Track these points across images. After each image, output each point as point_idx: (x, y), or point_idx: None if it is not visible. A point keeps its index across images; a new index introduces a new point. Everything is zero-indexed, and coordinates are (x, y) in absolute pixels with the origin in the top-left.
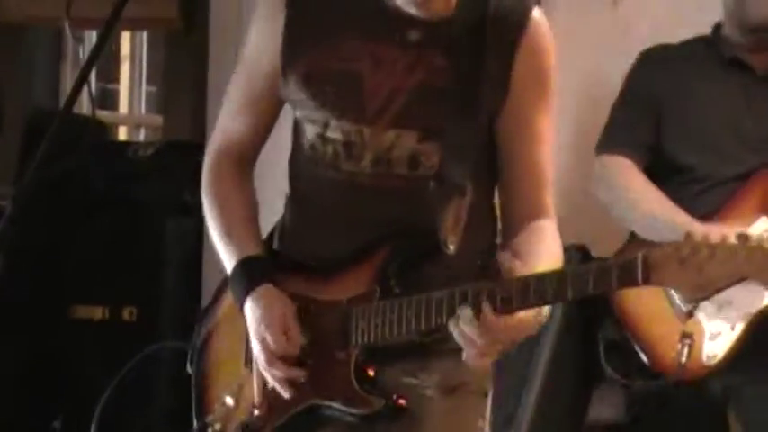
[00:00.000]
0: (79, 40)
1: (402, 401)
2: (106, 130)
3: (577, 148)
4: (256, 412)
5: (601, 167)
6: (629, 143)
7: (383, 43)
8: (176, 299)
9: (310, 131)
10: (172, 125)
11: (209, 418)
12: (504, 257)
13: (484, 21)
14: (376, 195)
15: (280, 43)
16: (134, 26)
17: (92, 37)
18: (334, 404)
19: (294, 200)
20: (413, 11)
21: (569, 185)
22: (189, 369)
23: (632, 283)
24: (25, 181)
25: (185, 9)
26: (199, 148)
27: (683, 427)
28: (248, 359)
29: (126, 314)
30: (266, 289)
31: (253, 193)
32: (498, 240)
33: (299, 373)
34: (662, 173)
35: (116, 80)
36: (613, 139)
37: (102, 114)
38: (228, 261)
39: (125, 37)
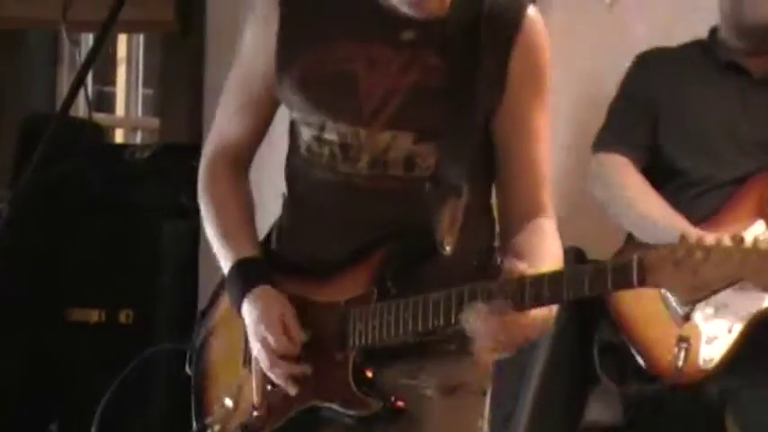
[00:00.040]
0: (76, 43)
1: (400, 403)
2: (103, 132)
3: (573, 149)
4: (255, 413)
5: (598, 165)
6: (627, 142)
7: (377, 44)
8: (173, 302)
9: (306, 133)
10: (168, 128)
11: (209, 420)
12: (506, 259)
13: (479, 19)
14: (372, 197)
15: (274, 45)
16: (131, 29)
17: (88, 40)
18: (333, 406)
19: (291, 200)
20: (407, 11)
21: (565, 186)
22: (188, 370)
23: (627, 284)
24: (22, 184)
25: (182, 12)
26: (195, 151)
27: (679, 430)
28: (247, 360)
29: (122, 317)
30: (263, 290)
31: (249, 193)
32: (497, 241)
33: (303, 369)
34: (659, 176)
35: (113, 83)
36: (611, 137)
37: (99, 117)
38: (225, 263)
39: (122, 39)
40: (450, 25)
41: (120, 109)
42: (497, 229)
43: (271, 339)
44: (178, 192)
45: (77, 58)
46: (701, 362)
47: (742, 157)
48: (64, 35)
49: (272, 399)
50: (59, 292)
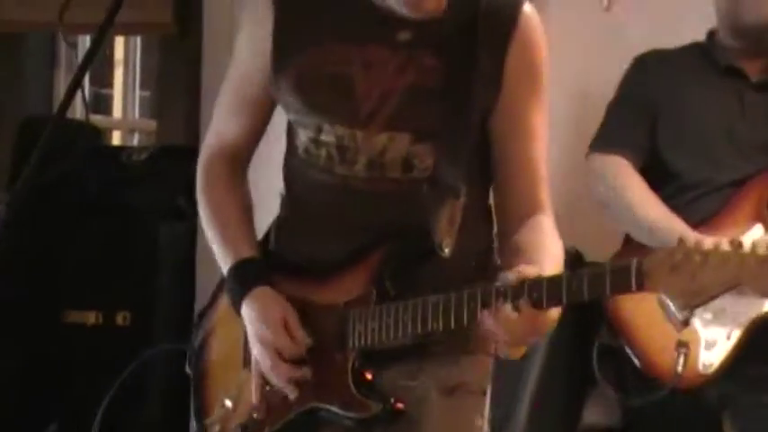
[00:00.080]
0: (73, 45)
1: (400, 405)
2: (100, 134)
3: (570, 150)
4: (255, 415)
5: (596, 166)
6: (626, 143)
7: (373, 45)
8: (170, 303)
9: (303, 135)
10: (165, 130)
11: (209, 421)
12: (506, 260)
13: (475, 18)
14: (370, 199)
15: (270, 45)
16: (128, 31)
17: (85, 42)
18: (332, 408)
19: (289, 201)
20: (404, 11)
21: (562, 187)
22: (188, 370)
23: (626, 289)
24: (19, 186)
25: (179, 14)
26: (193, 153)
27: None
28: (247, 361)
29: (119, 319)
30: (262, 291)
31: (247, 193)
32: (495, 241)
33: (305, 373)
34: (657, 179)
35: (110, 85)
36: (609, 138)
37: (96, 119)
38: (224, 264)
39: (119, 42)
40: (447, 25)
41: (117, 111)
42: (496, 229)
43: (274, 341)
44: (175, 194)
45: (74, 60)
46: (700, 367)
47: (740, 159)
48: (61, 37)
49: (272, 400)
50: (56, 294)
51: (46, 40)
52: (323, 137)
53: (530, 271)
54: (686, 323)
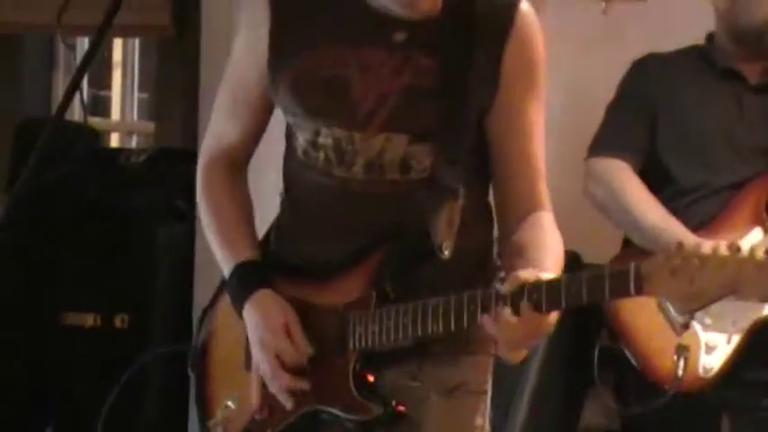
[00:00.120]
0: (71, 47)
1: (401, 408)
2: (98, 136)
3: (568, 152)
4: (257, 417)
5: (596, 169)
6: (625, 147)
7: (369, 46)
8: (168, 306)
9: (302, 138)
10: (164, 132)
11: (212, 423)
12: (506, 262)
13: (471, 17)
14: (369, 201)
15: (266, 46)
16: (126, 33)
17: (84, 44)
18: (333, 410)
19: (289, 203)
20: (400, 11)
21: (560, 190)
22: (190, 372)
23: (625, 293)
24: (18, 188)
25: (177, 16)
26: (191, 155)
27: None
28: (248, 363)
29: (118, 321)
30: (263, 295)
31: (247, 194)
32: (495, 242)
33: (303, 385)
34: (656, 182)
35: (108, 87)
36: (609, 142)
37: (94, 121)
38: (225, 266)
39: (117, 44)
40: (442, 25)
41: (115, 113)
42: (496, 227)
43: (275, 346)
44: (173, 196)
45: (73, 62)
46: (700, 371)
47: (739, 162)
48: (59, 39)
49: (273, 403)
50: (54, 296)
51: (44, 41)
52: (321, 139)
53: (529, 275)
54: (686, 326)
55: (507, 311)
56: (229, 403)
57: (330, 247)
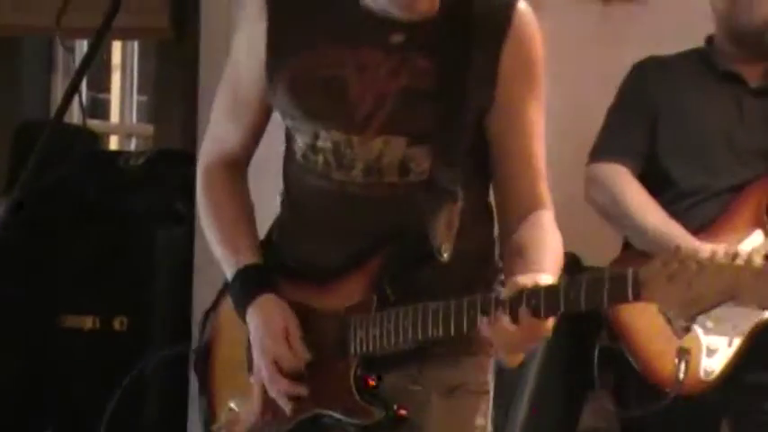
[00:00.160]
0: (70, 49)
1: (403, 411)
2: (97, 139)
3: (567, 155)
4: (260, 420)
5: (597, 174)
6: (626, 151)
7: (366, 48)
8: (167, 308)
9: (301, 141)
10: (163, 134)
11: (215, 426)
12: (506, 264)
13: (468, 18)
14: (368, 204)
15: (264, 47)
16: (125, 36)
17: (83, 47)
18: (335, 414)
19: (288, 205)
20: (398, 12)
21: (559, 192)
22: (192, 374)
23: (623, 299)
24: (17, 190)
25: (176, 18)
26: (190, 157)
27: None
28: (251, 366)
29: (117, 324)
30: (266, 299)
31: (247, 196)
32: (497, 241)
33: (301, 390)
34: (656, 185)
35: (107, 89)
36: (609, 147)
37: (93, 124)
38: (228, 269)
39: (116, 46)
40: (440, 26)
41: (114, 116)
42: (497, 227)
43: (274, 351)
44: (172, 198)
45: (72, 64)
46: (701, 374)
47: (738, 165)
48: (58, 42)
49: (275, 407)
50: (53, 298)
51: (43, 44)
52: (320, 143)
53: (528, 280)
54: (687, 329)
55: (506, 320)
56: (233, 405)
57: (330, 250)
